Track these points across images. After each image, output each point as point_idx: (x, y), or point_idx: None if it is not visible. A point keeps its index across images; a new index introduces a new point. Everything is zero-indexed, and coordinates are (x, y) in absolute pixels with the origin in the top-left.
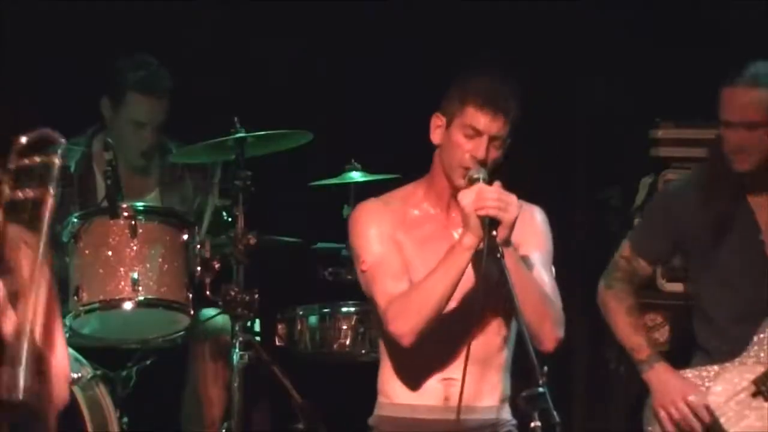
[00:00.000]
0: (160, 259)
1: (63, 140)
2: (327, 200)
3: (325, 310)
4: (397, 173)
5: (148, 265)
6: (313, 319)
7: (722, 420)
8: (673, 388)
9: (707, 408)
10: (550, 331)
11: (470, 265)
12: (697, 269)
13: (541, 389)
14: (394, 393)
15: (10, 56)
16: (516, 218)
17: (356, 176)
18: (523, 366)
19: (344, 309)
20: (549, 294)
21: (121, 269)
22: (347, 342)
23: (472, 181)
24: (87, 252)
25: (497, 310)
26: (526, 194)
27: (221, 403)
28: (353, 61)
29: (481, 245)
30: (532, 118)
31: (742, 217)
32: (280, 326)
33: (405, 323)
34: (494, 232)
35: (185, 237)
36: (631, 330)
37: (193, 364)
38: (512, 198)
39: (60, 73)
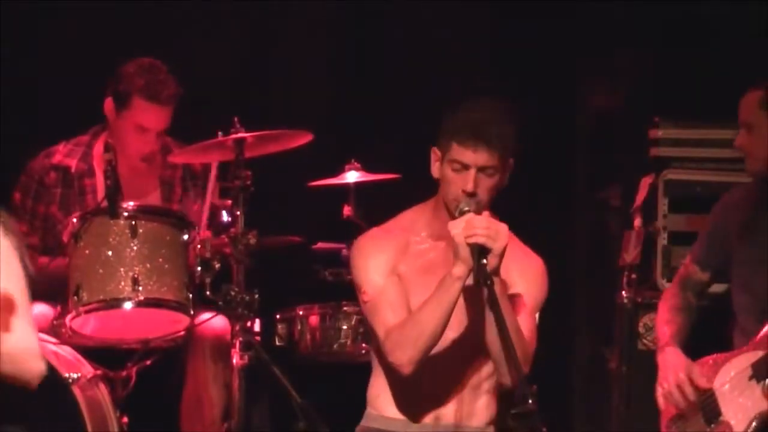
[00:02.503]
0: (160, 259)
1: None
2: (327, 200)
3: (325, 310)
4: (397, 173)
5: (148, 265)
6: (313, 319)
7: (719, 398)
8: (669, 367)
9: (700, 389)
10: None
11: (462, 296)
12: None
13: (530, 407)
14: (384, 407)
15: (10, 55)
16: (505, 247)
17: (356, 176)
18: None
19: (344, 309)
20: (524, 334)
21: (121, 269)
22: (347, 342)
23: (461, 213)
24: (87, 252)
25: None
26: (527, 194)
27: (221, 403)
28: (353, 61)
29: (471, 278)
30: (533, 119)
31: (764, 221)
32: (280, 326)
33: (403, 354)
34: (484, 261)
35: (185, 237)
36: (662, 322)
37: (193, 364)
38: (502, 227)
39: (60, 72)
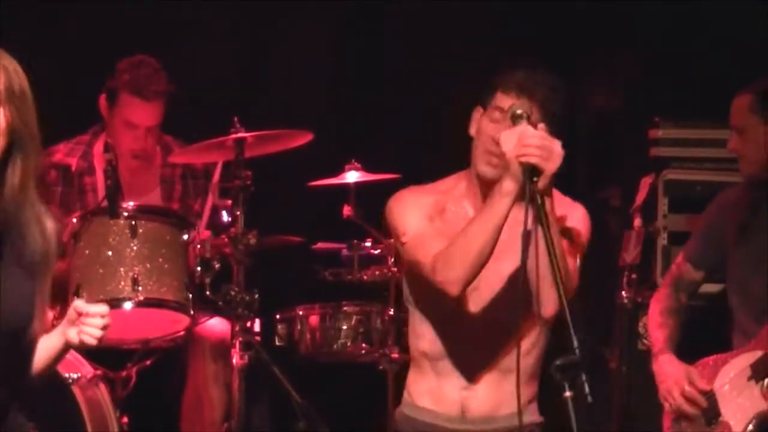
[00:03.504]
0: (160, 259)
1: None
2: (327, 200)
3: (325, 310)
4: (397, 173)
5: (148, 265)
6: (313, 319)
7: (719, 400)
8: (670, 378)
9: (703, 393)
10: (555, 296)
11: (500, 260)
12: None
13: (576, 358)
14: (417, 395)
15: (10, 52)
16: (557, 168)
17: (356, 176)
18: (559, 335)
19: (344, 309)
20: (569, 266)
21: (121, 269)
22: (347, 342)
23: (515, 118)
24: (87, 252)
25: (523, 317)
26: None
27: (221, 403)
28: (353, 61)
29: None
30: None
31: (765, 219)
32: (280, 326)
33: (450, 272)
34: (534, 179)
35: (185, 237)
36: (655, 326)
37: (193, 364)
38: (556, 145)
39: (60, 72)
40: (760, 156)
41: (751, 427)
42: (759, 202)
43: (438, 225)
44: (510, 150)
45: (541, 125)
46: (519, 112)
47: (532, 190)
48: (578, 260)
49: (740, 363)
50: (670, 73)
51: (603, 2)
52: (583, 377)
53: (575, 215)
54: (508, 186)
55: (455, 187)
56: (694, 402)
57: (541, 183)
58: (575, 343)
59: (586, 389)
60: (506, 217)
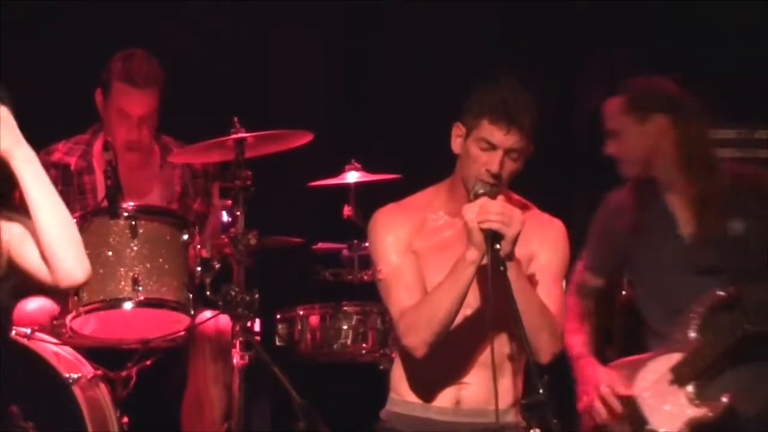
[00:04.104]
0: (160, 259)
1: None
2: (327, 200)
3: (325, 310)
4: (397, 173)
5: (148, 265)
6: (313, 319)
7: (642, 406)
8: (588, 379)
9: (621, 397)
10: (546, 344)
11: (478, 277)
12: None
13: (541, 397)
14: (406, 392)
15: (10, 52)
16: (519, 233)
17: (356, 176)
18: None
19: (344, 309)
20: (550, 308)
21: (121, 269)
22: (347, 342)
23: (476, 196)
24: (87, 252)
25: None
26: (527, 194)
27: (221, 403)
28: (353, 61)
29: (485, 259)
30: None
31: (659, 218)
32: (280, 326)
33: (416, 337)
34: (497, 246)
35: (185, 237)
36: (571, 333)
37: (193, 364)
38: (516, 212)
39: (60, 72)
40: (639, 156)
41: None
42: (647, 202)
43: (418, 246)
44: (471, 219)
45: (501, 197)
46: (480, 191)
47: (496, 256)
48: (563, 284)
49: (659, 367)
50: (670, 73)
51: (603, 2)
52: (550, 414)
53: (551, 236)
54: (472, 255)
55: (434, 199)
56: (607, 403)
57: (504, 248)
58: (540, 386)
59: (555, 427)
60: (470, 284)
